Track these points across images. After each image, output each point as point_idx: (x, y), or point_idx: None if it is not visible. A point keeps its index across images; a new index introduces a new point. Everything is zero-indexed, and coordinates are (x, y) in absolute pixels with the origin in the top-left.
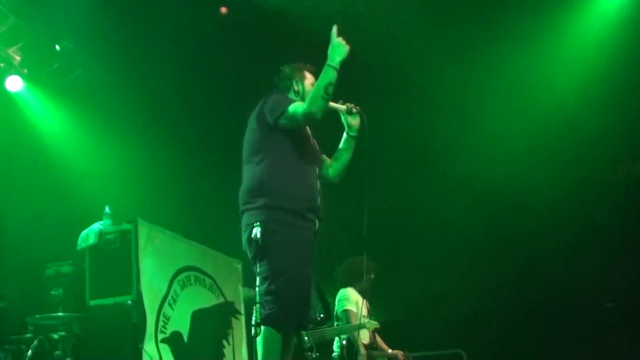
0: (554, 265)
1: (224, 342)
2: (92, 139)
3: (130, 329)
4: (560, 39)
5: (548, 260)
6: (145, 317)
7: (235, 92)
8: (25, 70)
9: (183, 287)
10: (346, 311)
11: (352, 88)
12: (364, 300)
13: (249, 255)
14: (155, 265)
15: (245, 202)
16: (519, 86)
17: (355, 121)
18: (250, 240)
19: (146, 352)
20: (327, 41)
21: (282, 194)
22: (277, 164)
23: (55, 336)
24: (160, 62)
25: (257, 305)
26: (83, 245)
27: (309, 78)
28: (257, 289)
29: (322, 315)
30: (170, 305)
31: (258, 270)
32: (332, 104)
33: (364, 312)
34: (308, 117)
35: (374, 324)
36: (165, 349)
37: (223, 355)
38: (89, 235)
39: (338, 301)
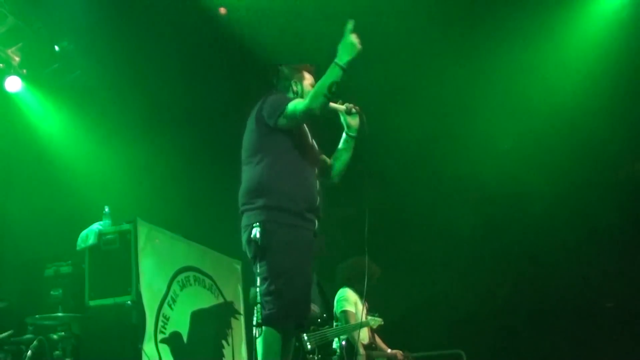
0: (553, 266)
1: (224, 342)
2: (92, 140)
3: (129, 329)
4: (560, 39)
5: (548, 261)
6: (144, 317)
7: (235, 93)
8: (25, 71)
9: (182, 287)
10: (345, 312)
11: (352, 88)
12: (365, 301)
13: (249, 255)
14: (154, 266)
15: (244, 203)
16: (519, 87)
17: (354, 121)
18: (250, 240)
19: (145, 352)
20: (327, 42)
21: (281, 195)
22: (276, 164)
23: (55, 336)
24: (160, 62)
25: (258, 305)
26: (82, 245)
27: (308, 78)
28: (257, 289)
29: (324, 315)
30: (169, 306)
31: (258, 270)
32: (331, 104)
33: (364, 312)
34: (307, 114)
35: (378, 320)
36: (165, 350)
37: (222, 355)
38: (88, 235)
39: (337, 301)
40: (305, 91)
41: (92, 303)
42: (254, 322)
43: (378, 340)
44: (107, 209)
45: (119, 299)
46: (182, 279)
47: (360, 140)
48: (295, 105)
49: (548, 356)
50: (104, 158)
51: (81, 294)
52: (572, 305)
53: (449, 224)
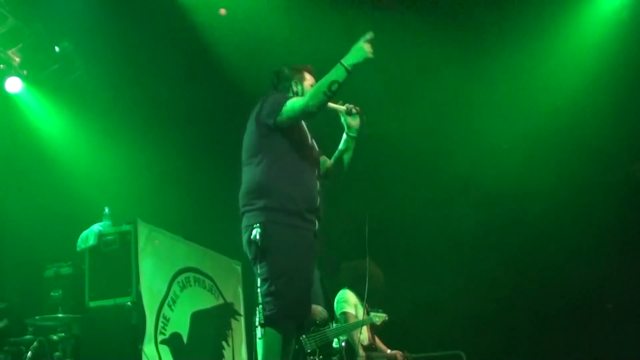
0: (554, 267)
1: (224, 343)
2: (92, 140)
3: (129, 330)
4: (560, 40)
5: (548, 262)
6: (144, 318)
7: (235, 93)
8: (25, 72)
9: (183, 288)
10: (345, 314)
11: (352, 88)
12: (365, 304)
13: (249, 256)
14: (154, 267)
15: (245, 204)
16: (519, 87)
17: (355, 122)
18: (250, 241)
19: (145, 353)
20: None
21: (281, 195)
22: (276, 165)
23: (55, 337)
24: (160, 62)
25: (260, 306)
26: (83, 246)
27: (308, 79)
28: (257, 290)
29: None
30: (169, 307)
31: (258, 271)
32: (331, 104)
33: (364, 315)
34: (305, 111)
35: (382, 316)
36: (165, 350)
37: (223, 356)
38: (88, 236)
39: (337, 303)
40: (305, 92)
41: (92, 304)
42: (256, 323)
43: (378, 341)
44: (107, 210)
45: (119, 300)
46: (182, 280)
47: (360, 140)
48: (294, 102)
49: (548, 357)
50: (104, 159)
51: (81, 294)
52: (573, 306)
53: (449, 225)
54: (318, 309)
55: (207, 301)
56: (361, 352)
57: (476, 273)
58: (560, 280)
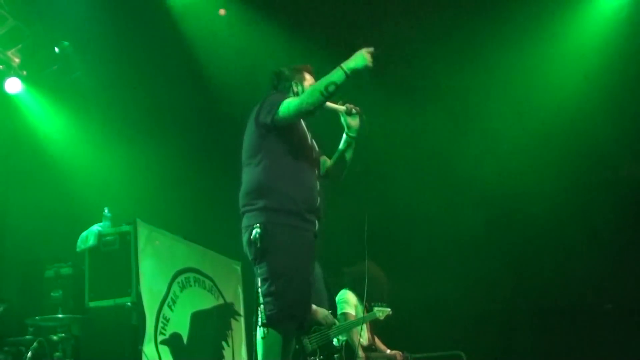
0: (553, 267)
1: (224, 343)
2: (92, 141)
3: (129, 330)
4: (560, 39)
5: (548, 262)
6: (144, 318)
7: (235, 93)
8: (25, 72)
9: (182, 288)
10: (345, 314)
11: (352, 89)
12: (366, 305)
13: (249, 256)
14: (154, 267)
15: (245, 204)
16: (519, 88)
17: (354, 122)
18: (250, 241)
19: (145, 353)
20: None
21: (281, 196)
22: (276, 165)
23: (55, 338)
24: (159, 63)
25: (261, 306)
26: (82, 246)
27: (308, 79)
28: (258, 290)
29: (330, 312)
30: (169, 307)
31: (258, 271)
32: (332, 104)
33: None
34: (300, 109)
35: (386, 310)
36: (165, 351)
37: (222, 356)
38: (88, 236)
39: (337, 303)
40: None
41: (92, 304)
42: (259, 323)
43: (377, 341)
44: (107, 211)
45: (119, 300)
46: (182, 280)
47: (360, 140)
48: (289, 102)
49: (548, 357)
50: (104, 159)
51: (81, 295)
52: (572, 306)
53: (449, 225)
54: (324, 313)
55: (207, 301)
56: (361, 353)
57: (476, 273)
58: (560, 280)
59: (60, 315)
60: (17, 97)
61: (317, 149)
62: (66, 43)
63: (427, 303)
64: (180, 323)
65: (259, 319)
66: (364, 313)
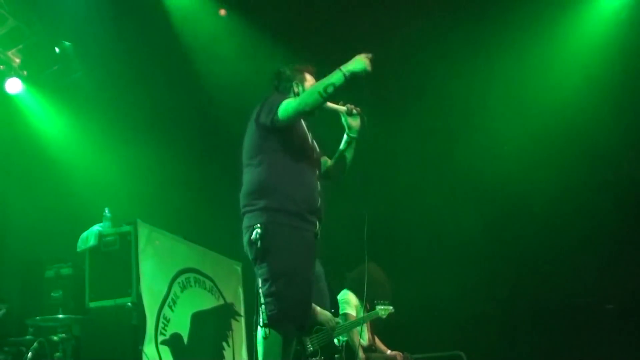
0: (553, 267)
1: (224, 343)
2: (92, 141)
3: (130, 330)
4: (560, 40)
5: (548, 262)
6: (145, 319)
7: (235, 94)
8: (25, 73)
9: (183, 288)
10: (346, 315)
11: (353, 89)
12: (366, 306)
13: (250, 257)
14: (155, 267)
15: (245, 204)
16: (520, 88)
17: (355, 122)
18: (251, 242)
19: (146, 353)
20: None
21: (282, 196)
22: (276, 166)
23: (55, 338)
24: (160, 63)
25: (263, 306)
26: (83, 247)
27: (309, 80)
28: (259, 290)
29: (332, 311)
30: (170, 307)
31: (259, 272)
32: (332, 105)
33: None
34: (298, 110)
35: (389, 309)
36: (165, 351)
37: (223, 356)
38: (88, 237)
39: (338, 303)
40: None
41: (92, 304)
42: (261, 323)
43: (378, 341)
44: (107, 211)
45: (119, 301)
46: (182, 281)
47: (361, 141)
48: (288, 102)
49: (548, 357)
50: (104, 159)
51: (81, 295)
52: (572, 306)
53: (449, 225)
54: (328, 316)
55: (208, 302)
56: (361, 353)
57: (476, 273)
58: (561, 280)
59: (60, 316)
60: (18, 98)
61: (317, 149)
62: (67, 43)
63: (427, 303)
64: (180, 323)
65: (261, 320)
66: (364, 314)
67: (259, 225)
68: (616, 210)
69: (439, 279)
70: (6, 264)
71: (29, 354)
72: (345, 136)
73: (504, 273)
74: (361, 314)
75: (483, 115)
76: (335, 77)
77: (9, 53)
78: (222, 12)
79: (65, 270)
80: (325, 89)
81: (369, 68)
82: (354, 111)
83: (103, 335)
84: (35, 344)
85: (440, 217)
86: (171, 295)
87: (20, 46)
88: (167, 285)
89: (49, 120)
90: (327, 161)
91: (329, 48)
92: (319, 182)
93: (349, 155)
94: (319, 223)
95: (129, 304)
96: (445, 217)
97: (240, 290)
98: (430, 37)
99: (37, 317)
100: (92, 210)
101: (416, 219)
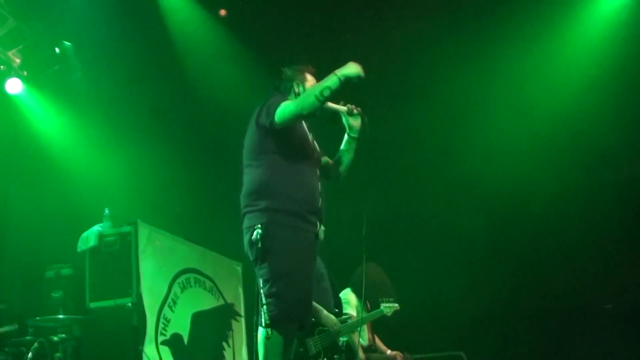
0: (554, 267)
1: (224, 344)
2: (92, 141)
3: (130, 331)
4: (560, 40)
5: (548, 262)
6: (145, 319)
7: (236, 94)
8: (25, 73)
9: (183, 289)
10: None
11: (354, 89)
12: (367, 306)
13: (250, 257)
14: (155, 268)
15: (246, 205)
16: (520, 88)
17: (356, 122)
18: (252, 242)
19: (146, 354)
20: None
21: (283, 197)
22: (277, 166)
23: (56, 338)
24: (160, 64)
25: (264, 307)
26: (83, 247)
27: (310, 80)
28: (260, 291)
29: (337, 310)
30: (170, 308)
31: (260, 272)
32: (333, 105)
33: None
34: (296, 113)
35: (394, 306)
36: (166, 351)
37: (223, 357)
38: (89, 237)
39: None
40: None
41: (92, 305)
42: (262, 324)
43: (378, 341)
44: (107, 211)
45: (119, 301)
46: (182, 281)
47: (362, 141)
48: (286, 105)
49: (548, 357)
50: (104, 159)
51: (82, 295)
52: (572, 307)
53: (449, 226)
54: (333, 320)
55: (208, 302)
56: (361, 354)
57: (476, 273)
58: (560, 280)
59: (60, 316)
60: (18, 98)
61: (318, 149)
62: (67, 43)
63: (427, 303)
64: (180, 324)
65: (262, 320)
66: (363, 314)
67: (259, 225)
68: (616, 210)
69: (439, 279)
70: (6, 264)
71: (29, 354)
72: (345, 136)
73: (504, 273)
74: (361, 314)
75: (483, 116)
76: (331, 81)
77: (9, 53)
78: (223, 12)
79: (66, 271)
80: (321, 92)
81: (361, 73)
82: (355, 111)
83: (103, 335)
84: (35, 344)
85: (441, 217)
86: (171, 295)
87: (21, 46)
88: (167, 285)
89: (49, 121)
90: (327, 161)
91: (329, 48)
92: (319, 183)
93: (349, 155)
94: (320, 223)
95: (129, 304)
96: (446, 217)
97: (241, 290)
98: (431, 37)
99: (38, 318)
100: (92, 211)
101: (416, 219)
